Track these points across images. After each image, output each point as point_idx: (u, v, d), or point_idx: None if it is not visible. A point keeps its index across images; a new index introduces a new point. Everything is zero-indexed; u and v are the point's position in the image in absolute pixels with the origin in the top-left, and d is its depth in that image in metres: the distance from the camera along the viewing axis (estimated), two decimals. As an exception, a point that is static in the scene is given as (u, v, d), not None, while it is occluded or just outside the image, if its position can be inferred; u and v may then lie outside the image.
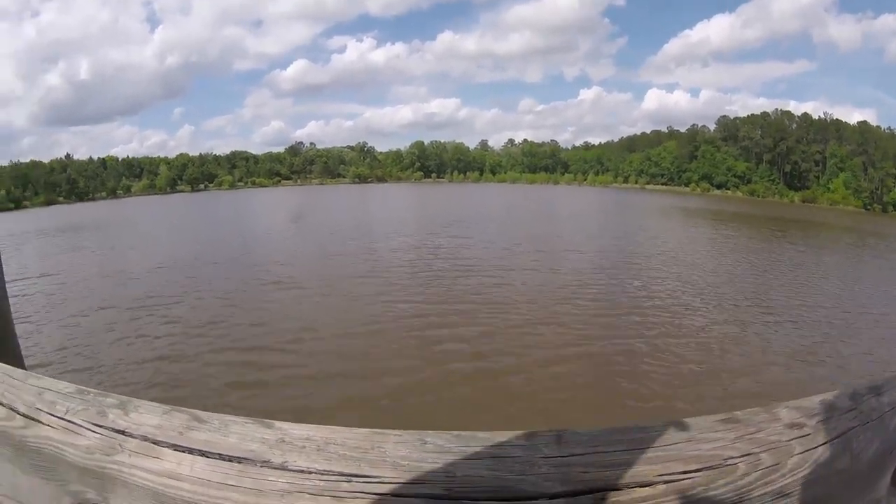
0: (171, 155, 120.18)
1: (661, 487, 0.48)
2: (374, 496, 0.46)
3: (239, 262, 21.89)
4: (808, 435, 0.56)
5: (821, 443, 0.56)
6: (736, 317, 13.73)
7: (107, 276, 19.44)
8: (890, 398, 0.64)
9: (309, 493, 0.47)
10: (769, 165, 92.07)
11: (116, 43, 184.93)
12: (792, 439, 0.56)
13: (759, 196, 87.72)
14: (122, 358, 10.52)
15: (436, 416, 7.81)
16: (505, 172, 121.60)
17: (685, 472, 0.50)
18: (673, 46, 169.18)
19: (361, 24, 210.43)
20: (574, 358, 10.43)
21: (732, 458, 0.52)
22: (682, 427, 0.55)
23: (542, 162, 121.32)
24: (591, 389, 9.16)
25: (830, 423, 0.58)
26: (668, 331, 12.17)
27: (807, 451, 0.55)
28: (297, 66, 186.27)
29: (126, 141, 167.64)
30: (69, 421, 0.57)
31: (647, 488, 0.48)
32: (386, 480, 0.47)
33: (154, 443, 0.53)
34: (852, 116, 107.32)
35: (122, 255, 25.48)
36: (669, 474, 0.49)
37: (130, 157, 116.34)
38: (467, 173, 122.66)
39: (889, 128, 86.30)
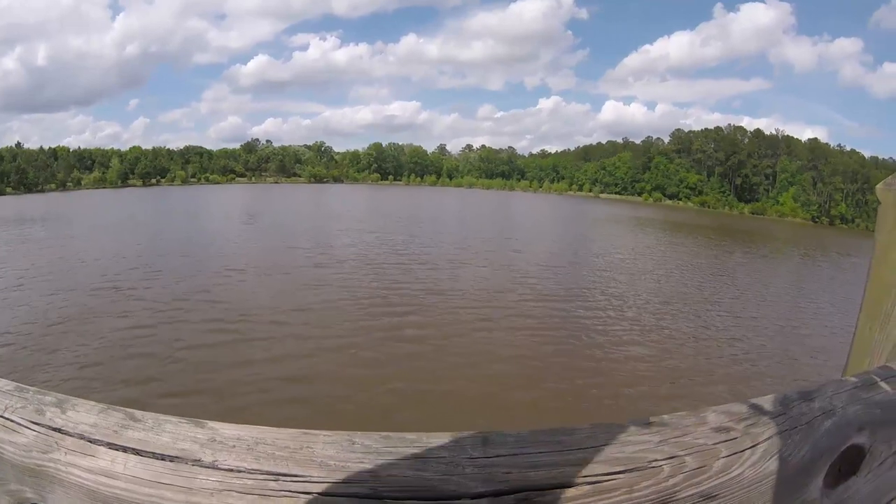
0: (125, 147, 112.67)
1: (585, 488, 0.49)
2: (301, 495, 0.47)
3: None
4: (735, 438, 0.57)
5: (748, 446, 0.57)
6: (677, 311, 14.14)
7: (61, 266, 18.28)
8: (821, 404, 0.65)
9: (237, 492, 0.48)
10: (720, 178, 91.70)
11: (76, 29, 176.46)
12: (718, 442, 0.56)
13: (709, 207, 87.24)
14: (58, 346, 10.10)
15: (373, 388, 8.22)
16: (462, 177, 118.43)
17: (609, 474, 0.50)
18: (632, 60, 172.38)
19: (326, 23, 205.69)
20: (513, 344, 10.68)
21: (657, 460, 0.53)
22: (608, 430, 0.55)
23: (498, 168, 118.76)
24: (526, 369, 9.38)
25: (759, 427, 0.59)
26: (605, 326, 12.29)
27: (734, 454, 0.56)
28: (258, 62, 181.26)
29: (79, 131, 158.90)
30: (7, 419, 0.57)
31: (570, 489, 0.49)
32: (313, 480, 0.48)
33: (90, 441, 0.53)
34: (804, 133, 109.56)
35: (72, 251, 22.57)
36: (593, 475, 0.50)
37: (82, 148, 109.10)
38: (424, 177, 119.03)
39: (839, 145, 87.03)
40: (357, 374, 8.77)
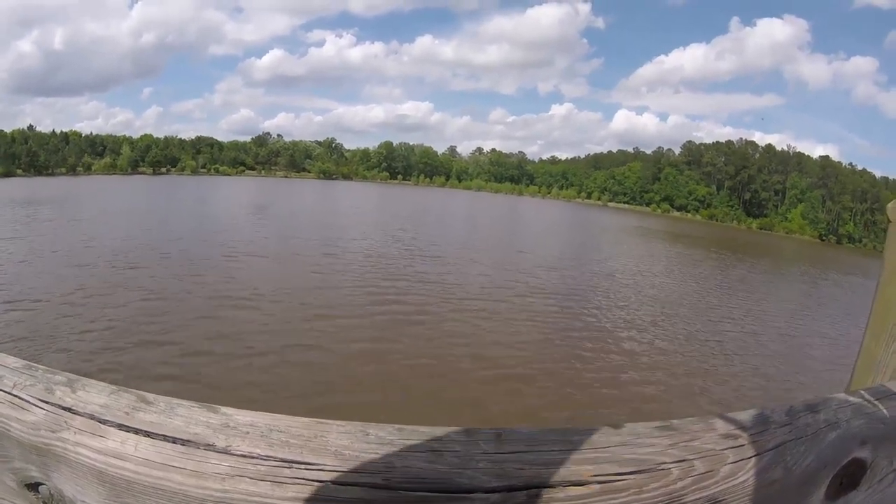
0: (136, 135, 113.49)
1: (595, 487, 0.50)
2: (314, 483, 0.47)
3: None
4: (742, 445, 0.58)
5: (754, 453, 0.58)
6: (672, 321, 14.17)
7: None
8: (826, 416, 0.65)
9: (250, 478, 0.48)
10: (729, 192, 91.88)
11: (95, 15, 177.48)
12: (726, 448, 0.57)
13: (717, 220, 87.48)
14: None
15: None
16: (471, 180, 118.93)
17: (619, 474, 0.51)
18: (646, 71, 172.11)
19: (342, 20, 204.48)
20: (513, 344, 10.82)
21: (666, 463, 0.53)
22: (618, 431, 0.56)
23: (508, 172, 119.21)
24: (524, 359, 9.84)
25: (765, 436, 0.60)
26: (602, 333, 12.46)
27: (740, 460, 0.57)
28: (273, 56, 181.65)
29: (92, 117, 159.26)
30: (16, 396, 0.57)
31: (580, 487, 0.50)
32: (327, 468, 0.48)
33: (100, 422, 0.53)
34: (815, 151, 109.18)
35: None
36: (603, 475, 0.50)
37: (94, 133, 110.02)
38: (433, 178, 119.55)
39: (851, 164, 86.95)
40: (359, 352, 9.29)
